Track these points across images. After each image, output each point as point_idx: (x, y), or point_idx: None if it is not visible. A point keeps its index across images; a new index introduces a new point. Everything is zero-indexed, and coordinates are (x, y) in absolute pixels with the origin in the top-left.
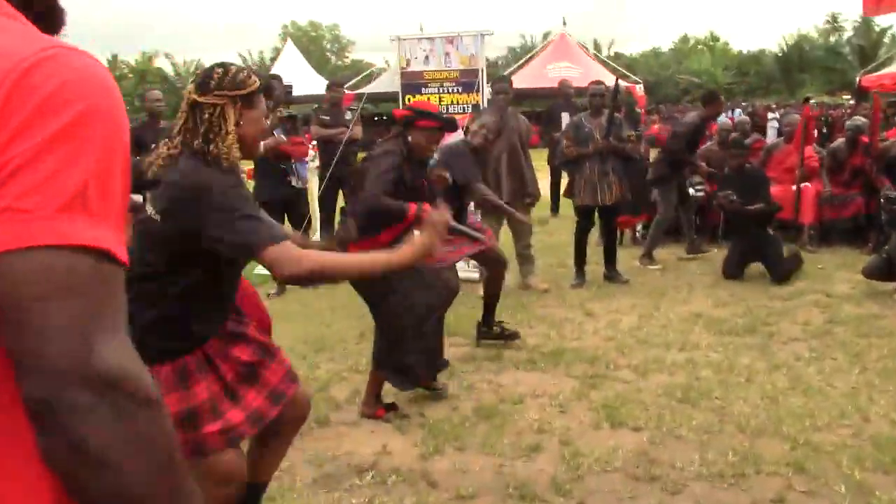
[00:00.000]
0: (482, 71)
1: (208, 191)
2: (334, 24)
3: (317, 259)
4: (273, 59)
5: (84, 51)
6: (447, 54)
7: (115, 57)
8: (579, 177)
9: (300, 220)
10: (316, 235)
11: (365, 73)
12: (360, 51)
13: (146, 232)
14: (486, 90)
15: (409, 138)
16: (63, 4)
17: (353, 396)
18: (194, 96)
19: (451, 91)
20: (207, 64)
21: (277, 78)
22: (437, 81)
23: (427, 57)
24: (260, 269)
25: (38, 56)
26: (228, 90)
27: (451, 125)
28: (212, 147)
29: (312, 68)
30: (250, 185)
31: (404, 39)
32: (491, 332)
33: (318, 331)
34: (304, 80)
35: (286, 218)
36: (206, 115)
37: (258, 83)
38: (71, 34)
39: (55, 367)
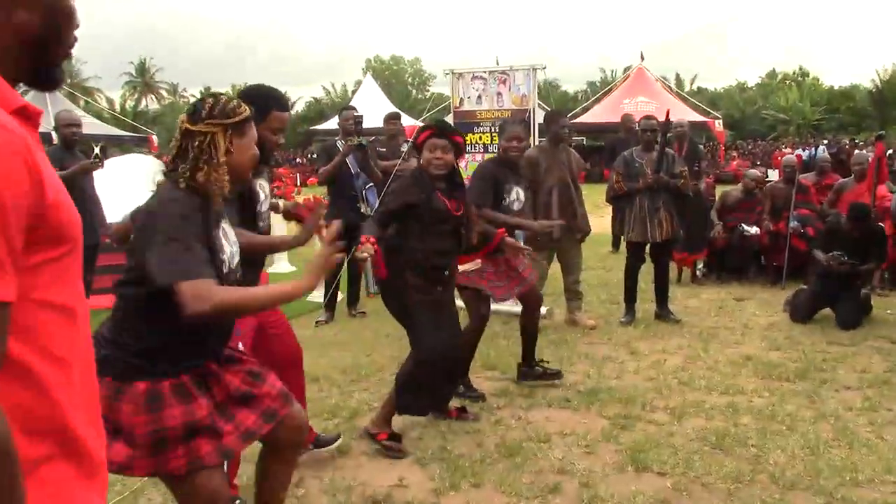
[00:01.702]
0: (533, 111)
1: (154, 214)
2: (416, 57)
3: (222, 296)
4: (354, 92)
5: None
6: (499, 94)
7: (207, 89)
8: (629, 212)
9: None
10: None
11: (442, 105)
12: (440, 84)
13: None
14: (537, 129)
15: (422, 161)
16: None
17: None
18: (186, 125)
19: None
20: (293, 96)
21: (351, 108)
22: (488, 120)
23: (480, 96)
24: (311, 297)
25: None
26: (219, 118)
27: (442, 129)
28: (199, 175)
29: (391, 101)
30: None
31: (458, 74)
32: (532, 371)
33: (357, 360)
34: (382, 113)
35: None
36: (197, 143)
37: (248, 112)
38: (169, 67)
39: None
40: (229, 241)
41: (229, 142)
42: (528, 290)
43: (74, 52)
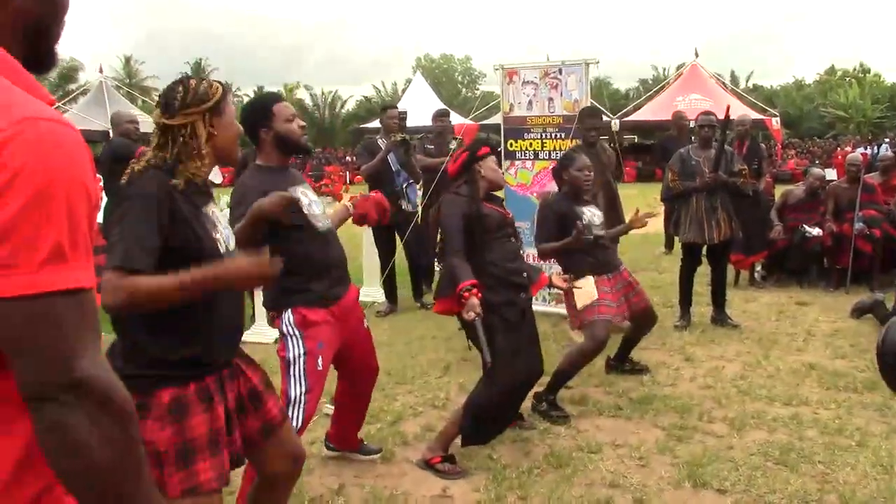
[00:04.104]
0: None
1: (121, 196)
2: (466, 56)
3: (133, 286)
4: (404, 90)
5: (48, 116)
6: (550, 99)
7: (260, 88)
8: (685, 212)
9: (413, 242)
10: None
11: (491, 104)
12: (490, 83)
13: None
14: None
15: (482, 173)
16: (59, 48)
17: (424, 433)
18: (163, 120)
19: (553, 137)
20: (344, 95)
21: (393, 107)
22: (539, 127)
23: (530, 102)
24: (364, 297)
25: (5, 133)
26: (195, 107)
27: (495, 148)
28: (180, 167)
29: (441, 99)
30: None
31: (508, 74)
32: (621, 366)
33: (402, 362)
34: (431, 110)
35: (399, 239)
36: (180, 138)
37: (220, 90)
38: (224, 67)
39: (45, 376)
40: (222, 224)
41: (210, 125)
42: (644, 308)
43: (132, 52)
